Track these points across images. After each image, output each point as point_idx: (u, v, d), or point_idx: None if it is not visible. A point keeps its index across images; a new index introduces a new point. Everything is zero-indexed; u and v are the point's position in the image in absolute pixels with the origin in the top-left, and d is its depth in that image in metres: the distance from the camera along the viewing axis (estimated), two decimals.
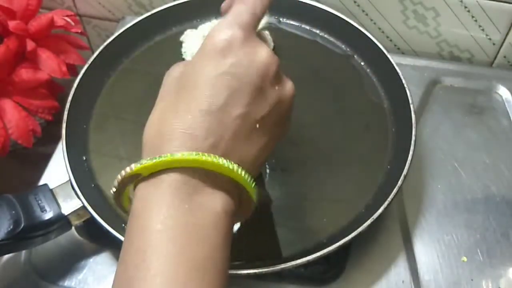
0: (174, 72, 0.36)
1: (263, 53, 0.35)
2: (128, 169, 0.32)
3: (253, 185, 0.33)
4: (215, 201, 0.32)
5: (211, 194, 0.32)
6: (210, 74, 0.33)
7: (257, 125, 0.34)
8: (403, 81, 0.54)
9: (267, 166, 0.51)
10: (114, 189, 0.34)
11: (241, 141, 0.33)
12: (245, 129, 0.33)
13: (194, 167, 0.31)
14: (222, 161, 0.31)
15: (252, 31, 0.36)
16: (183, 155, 0.31)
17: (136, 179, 0.33)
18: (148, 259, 0.29)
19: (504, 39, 0.68)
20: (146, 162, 0.31)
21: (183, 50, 0.61)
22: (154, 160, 0.31)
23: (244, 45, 0.34)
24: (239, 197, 0.34)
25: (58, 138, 0.52)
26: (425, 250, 0.51)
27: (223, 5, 0.42)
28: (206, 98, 0.32)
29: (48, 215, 0.44)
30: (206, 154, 0.31)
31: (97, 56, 0.57)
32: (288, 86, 0.37)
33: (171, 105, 0.34)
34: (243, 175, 0.32)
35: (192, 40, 0.60)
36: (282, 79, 0.36)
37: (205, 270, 0.29)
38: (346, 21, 0.60)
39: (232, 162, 0.32)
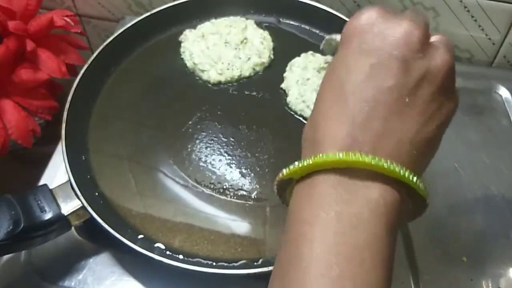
0: (330, 64, 0.35)
1: (402, 24, 0.32)
2: (280, 175, 0.32)
3: (412, 177, 0.30)
4: (372, 191, 0.30)
5: (366, 185, 0.30)
6: (346, 59, 0.33)
7: (407, 99, 0.31)
8: None
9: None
10: (276, 192, 0.34)
11: (392, 120, 0.31)
12: (393, 105, 0.31)
13: (344, 167, 0.30)
14: (369, 159, 0.29)
15: (389, 11, 0.34)
16: (327, 156, 0.30)
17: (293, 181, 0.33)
18: (301, 248, 0.29)
19: (504, 39, 0.68)
20: (293, 168, 0.31)
21: (182, 50, 0.61)
22: (300, 165, 0.31)
23: (381, 21, 0.33)
24: (407, 192, 0.32)
25: (58, 138, 0.52)
26: (425, 250, 0.51)
27: None
28: (348, 79, 0.32)
29: (48, 215, 0.45)
30: (353, 154, 0.29)
31: (96, 56, 0.57)
32: (440, 53, 0.33)
33: (324, 99, 0.33)
34: (398, 170, 0.30)
35: (191, 40, 0.60)
36: (430, 46, 0.33)
37: (362, 260, 0.28)
38: (346, 21, 0.60)
39: (381, 159, 0.29)
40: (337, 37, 0.47)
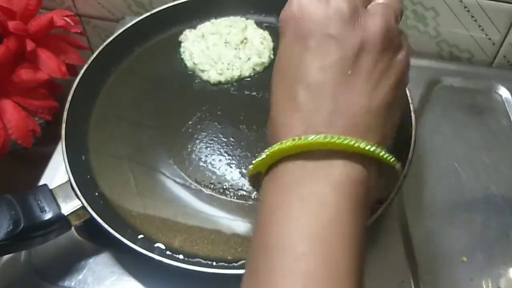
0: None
1: (330, 3, 0.32)
2: (247, 171, 0.34)
3: (371, 147, 0.30)
4: (334, 169, 0.30)
5: (328, 164, 0.30)
6: (285, 49, 0.34)
7: (349, 72, 0.31)
8: None
9: None
10: (250, 184, 0.35)
11: (340, 96, 0.31)
12: (338, 81, 0.31)
13: (303, 152, 0.30)
14: (322, 138, 0.30)
15: None
16: (281, 144, 0.31)
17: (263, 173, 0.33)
18: (269, 237, 0.29)
19: (504, 39, 0.68)
20: (255, 162, 0.32)
21: (182, 50, 0.61)
22: (261, 158, 0.32)
23: (310, 4, 0.33)
24: (375, 164, 0.32)
25: (58, 138, 0.52)
26: (425, 250, 0.51)
27: None
28: (292, 73, 0.33)
29: (48, 215, 0.44)
30: (305, 137, 0.30)
31: (96, 56, 0.57)
32: (372, 20, 0.33)
33: (274, 98, 0.35)
34: (353, 143, 0.30)
35: (191, 40, 0.60)
36: (363, 15, 0.33)
37: (326, 236, 0.28)
38: None
39: (333, 136, 0.30)
40: None
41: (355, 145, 0.30)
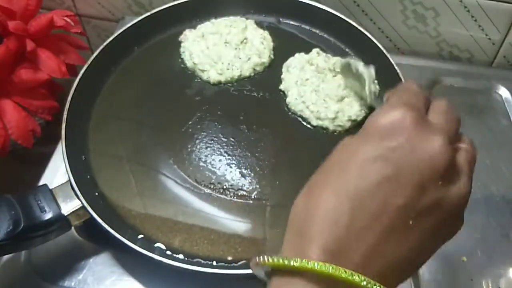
0: (339, 145, 0.33)
1: (434, 143, 0.30)
2: (258, 260, 0.31)
3: None
4: None
5: None
6: (363, 156, 0.30)
7: (411, 222, 0.30)
8: (403, 81, 0.54)
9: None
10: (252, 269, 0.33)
11: (389, 238, 0.29)
12: (395, 224, 0.29)
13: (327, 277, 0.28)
14: (357, 278, 0.28)
15: (424, 115, 0.32)
16: (315, 265, 0.28)
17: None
18: None
19: (504, 39, 0.68)
20: (276, 261, 0.30)
21: (182, 50, 0.61)
22: (285, 262, 0.29)
23: (411, 130, 0.30)
24: None
25: (58, 138, 0.52)
26: None
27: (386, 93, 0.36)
28: (354, 180, 0.30)
29: (48, 215, 0.44)
30: (343, 270, 0.28)
31: (96, 56, 0.57)
32: (460, 184, 0.31)
33: (321, 181, 0.32)
34: None
35: (191, 40, 0.60)
36: (454, 176, 0.31)
37: None
38: (346, 21, 0.60)
39: (370, 280, 0.28)
40: (354, 62, 0.49)
41: None
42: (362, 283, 0.28)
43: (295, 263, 0.29)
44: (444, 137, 0.31)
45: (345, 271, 0.28)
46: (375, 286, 0.28)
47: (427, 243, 0.31)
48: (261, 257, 0.30)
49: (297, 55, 0.59)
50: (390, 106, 0.32)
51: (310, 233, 0.30)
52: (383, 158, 0.30)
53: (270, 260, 0.30)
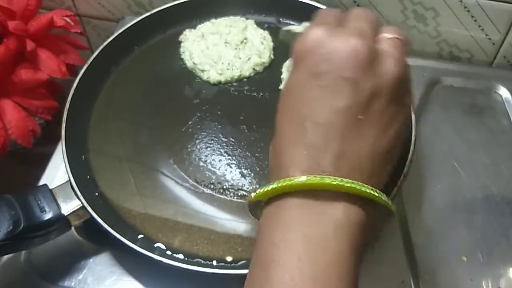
0: (284, 87, 0.36)
1: (350, 42, 0.32)
2: (248, 198, 0.34)
3: (373, 192, 0.32)
4: (337, 211, 0.31)
5: (331, 205, 0.31)
6: (300, 82, 0.33)
7: (360, 117, 0.32)
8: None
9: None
10: (248, 210, 0.35)
11: (349, 139, 0.32)
12: (348, 124, 0.32)
13: (308, 189, 0.31)
14: (331, 180, 0.31)
15: (336, 27, 0.35)
16: (291, 180, 0.31)
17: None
18: (270, 273, 0.30)
19: (504, 39, 0.68)
20: (260, 191, 0.32)
21: (182, 50, 0.61)
22: (266, 189, 0.32)
23: (327, 40, 0.33)
24: (372, 205, 0.33)
25: (58, 138, 0.52)
26: (425, 250, 0.51)
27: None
28: (300, 104, 0.33)
29: (48, 215, 0.44)
30: (315, 176, 0.31)
31: (96, 56, 0.57)
32: (387, 67, 0.33)
33: (280, 121, 0.35)
34: (359, 188, 0.31)
35: (191, 40, 0.60)
36: (378, 60, 0.33)
37: (325, 278, 0.29)
38: None
39: (342, 179, 0.31)
40: (293, 27, 0.48)
41: (361, 189, 0.31)
42: (333, 183, 0.30)
43: (282, 183, 0.31)
44: (359, 35, 0.33)
45: (328, 178, 0.31)
46: (348, 183, 0.31)
47: (385, 129, 0.33)
48: (251, 193, 0.33)
49: None
50: (306, 31, 0.35)
51: (285, 163, 0.33)
52: (314, 76, 0.33)
53: (259, 191, 0.32)
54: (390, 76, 0.33)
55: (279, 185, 0.31)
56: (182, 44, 0.61)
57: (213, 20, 0.63)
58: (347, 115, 0.32)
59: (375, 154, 0.33)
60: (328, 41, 0.33)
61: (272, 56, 0.60)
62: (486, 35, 0.68)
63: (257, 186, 0.50)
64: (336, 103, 0.32)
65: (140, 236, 0.47)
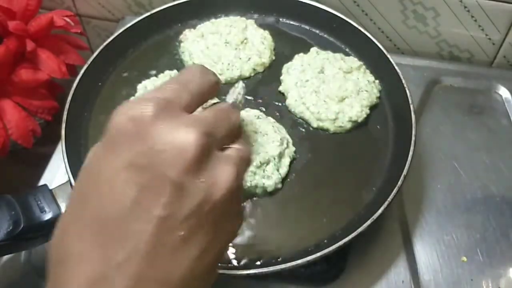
0: (87, 160, 0.29)
1: (186, 136, 0.26)
2: None
3: None
4: None
5: None
6: (112, 169, 0.26)
7: (181, 232, 0.26)
8: (403, 81, 0.54)
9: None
10: None
11: (159, 258, 0.26)
12: (162, 239, 0.26)
13: None
14: None
15: (175, 108, 0.28)
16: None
17: None
18: None
19: (504, 39, 0.68)
20: None
21: (182, 50, 0.61)
22: None
23: (156, 125, 0.27)
24: None
25: (58, 138, 0.52)
26: (425, 250, 0.51)
27: None
28: (108, 202, 0.26)
29: (48, 215, 0.44)
30: None
31: (96, 56, 0.57)
32: (220, 174, 0.27)
33: (72, 211, 0.28)
34: None
35: (191, 40, 0.60)
36: (215, 170, 0.27)
37: None
38: (346, 21, 0.60)
39: None
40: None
41: None
42: None
43: None
44: (198, 129, 0.27)
45: None
46: None
47: (203, 251, 0.27)
48: None
49: (296, 57, 0.59)
50: (131, 101, 0.28)
51: (65, 278, 0.26)
52: (133, 168, 0.26)
53: None
54: (222, 187, 0.27)
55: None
56: (182, 44, 0.61)
57: (213, 20, 0.63)
58: (163, 227, 0.26)
59: (189, 278, 0.27)
60: (157, 123, 0.27)
61: (272, 57, 0.60)
62: (486, 35, 0.68)
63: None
64: (153, 209, 0.25)
65: None
